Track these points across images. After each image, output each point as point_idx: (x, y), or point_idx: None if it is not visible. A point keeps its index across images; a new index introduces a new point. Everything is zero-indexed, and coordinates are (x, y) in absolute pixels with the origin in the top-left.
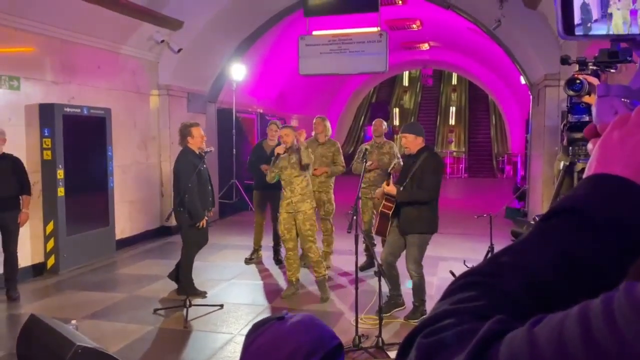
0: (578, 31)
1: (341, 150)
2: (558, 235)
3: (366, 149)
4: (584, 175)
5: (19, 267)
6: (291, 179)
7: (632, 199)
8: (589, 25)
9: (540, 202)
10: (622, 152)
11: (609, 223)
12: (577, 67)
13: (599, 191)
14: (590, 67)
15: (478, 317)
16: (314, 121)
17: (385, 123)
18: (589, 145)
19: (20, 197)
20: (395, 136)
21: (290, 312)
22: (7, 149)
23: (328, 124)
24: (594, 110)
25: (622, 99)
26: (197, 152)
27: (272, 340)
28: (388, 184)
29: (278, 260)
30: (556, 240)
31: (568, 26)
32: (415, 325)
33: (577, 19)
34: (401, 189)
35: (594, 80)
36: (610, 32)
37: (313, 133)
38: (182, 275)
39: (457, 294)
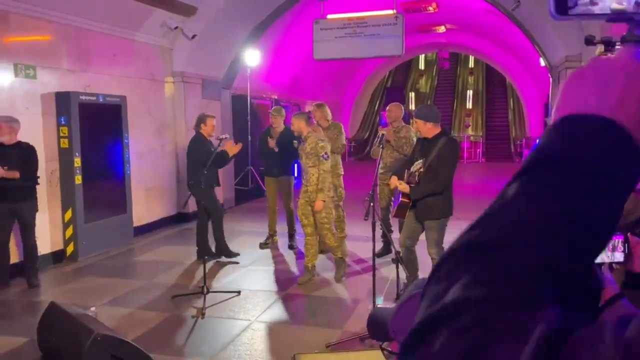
0: (573, 11)
1: (343, 131)
2: (552, 192)
3: (383, 134)
4: (553, 113)
5: (39, 254)
6: (306, 168)
7: (616, 142)
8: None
9: None
10: (602, 91)
11: (599, 170)
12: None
13: (578, 136)
14: (617, 47)
15: (518, 306)
16: (311, 109)
17: (402, 106)
18: None
19: (35, 187)
20: (411, 120)
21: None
22: (24, 137)
23: (326, 109)
24: None
25: None
26: (208, 139)
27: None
28: (401, 183)
29: (291, 247)
30: (554, 198)
31: (561, 5)
32: (432, 312)
33: None
34: (417, 179)
35: None
36: (607, 12)
37: (314, 120)
38: (218, 238)
39: (465, 272)
